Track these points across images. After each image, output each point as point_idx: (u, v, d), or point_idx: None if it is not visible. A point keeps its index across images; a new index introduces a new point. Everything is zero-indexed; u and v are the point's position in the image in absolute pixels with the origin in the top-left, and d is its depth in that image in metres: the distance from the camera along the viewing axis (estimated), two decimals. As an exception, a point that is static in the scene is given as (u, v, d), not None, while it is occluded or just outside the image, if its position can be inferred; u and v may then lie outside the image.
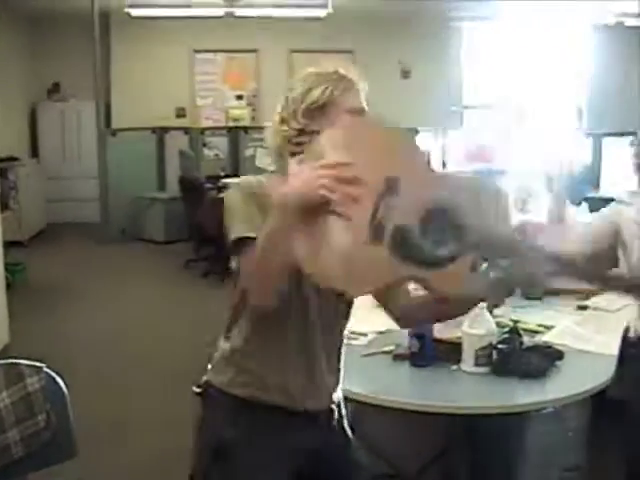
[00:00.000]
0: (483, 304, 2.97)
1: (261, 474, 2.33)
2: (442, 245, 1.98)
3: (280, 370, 2.29)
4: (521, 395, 2.84)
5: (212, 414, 2.39)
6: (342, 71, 2.37)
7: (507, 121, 12.03)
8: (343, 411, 2.55)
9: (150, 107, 12.14)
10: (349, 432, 2.55)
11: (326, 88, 2.31)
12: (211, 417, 2.39)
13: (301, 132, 2.30)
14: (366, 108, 2.36)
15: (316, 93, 2.31)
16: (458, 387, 2.89)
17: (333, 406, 2.47)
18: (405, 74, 13.02)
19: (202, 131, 11.76)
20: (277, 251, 1.98)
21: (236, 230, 2.17)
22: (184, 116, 12.71)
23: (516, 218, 4.19)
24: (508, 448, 3.27)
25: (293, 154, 2.27)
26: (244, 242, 2.12)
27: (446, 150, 8.89)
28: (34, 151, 12.55)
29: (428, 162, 2.12)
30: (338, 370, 2.45)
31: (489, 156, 8.21)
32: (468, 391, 2.88)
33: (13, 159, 10.82)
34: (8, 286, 6.92)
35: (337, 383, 2.47)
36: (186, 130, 11.76)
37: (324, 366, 2.36)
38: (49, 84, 12.62)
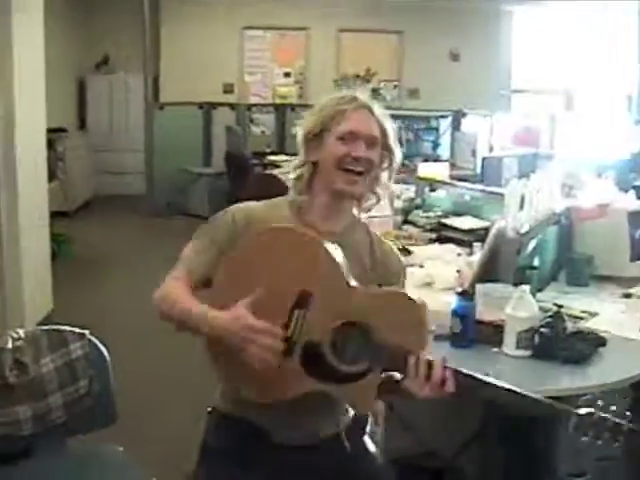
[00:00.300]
0: (526, 287, 2.95)
1: None
2: (352, 362, 2.03)
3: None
4: (562, 380, 2.81)
5: (208, 417, 2.44)
6: (349, 94, 2.30)
7: (555, 106, 11.91)
8: (368, 427, 2.53)
9: (198, 82, 12.17)
10: (369, 447, 2.50)
11: (321, 114, 2.28)
12: (207, 420, 2.43)
13: (303, 164, 2.32)
14: (376, 135, 2.26)
15: (311, 120, 2.29)
16: (498, 370, 2.88)
17: (341, 433, 2.38)
18: (454, 57, 12.92)
19: (249, 107, 11.78)
20: (186, 329, 2.14)
21: (186, 254, 2.30)
22: (232, 92, 12.73)
23: (563, 203, 4.14)
24: (544, 434, 3.25)
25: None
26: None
27: (493, 133, 8.82)
28: (82, 123, 12.65)
29: (342, 275, 2.08)
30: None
31: (536, 140, 8.13)
32: (508, 374, 2.86)
33: (61, 130, 10.90)
34: (53, 256, 7.01)
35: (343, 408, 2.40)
36: (233, 106, 11.78)
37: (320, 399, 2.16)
38: (99, 57, 12.70)
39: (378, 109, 2.29)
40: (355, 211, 2.35)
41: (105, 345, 2.95)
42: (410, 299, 2.08)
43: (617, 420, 2.04)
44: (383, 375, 2.08)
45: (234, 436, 2.31)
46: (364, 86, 9.91)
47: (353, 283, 2.09)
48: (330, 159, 2.24)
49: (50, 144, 10.26)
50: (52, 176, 10.04)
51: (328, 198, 2.27)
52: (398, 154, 2.34)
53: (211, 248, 2.24)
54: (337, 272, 2.09)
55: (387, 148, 2.30)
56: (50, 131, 10.31)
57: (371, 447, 2.52)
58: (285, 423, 2.24)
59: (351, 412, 2.41)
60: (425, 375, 2.00)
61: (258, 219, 2.24)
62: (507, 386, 2.07)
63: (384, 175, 2.34)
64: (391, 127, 2.30)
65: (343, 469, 2.37)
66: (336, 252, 2.12)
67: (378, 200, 2.37)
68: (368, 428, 2.57)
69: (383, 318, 2.04)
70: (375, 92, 11.65)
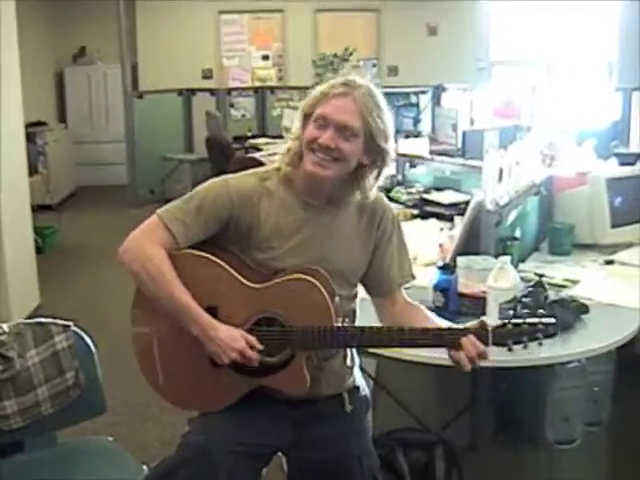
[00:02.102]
0: (506, 258, 2.97)
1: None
2: (275, 352, 2.23)
3: None
4: (546, 349, 2.83)
5: None
6: (345, 79, 2.29)
7: (535, 77, 11.90)
8: (362, 392, 2.58)
9: (176, 69, 12.12)
10: (366, 419, 2.57)
11: (314, 94, 2.30)
12: None
13: (296, 138, 2.36)
14: (350, 125, 2.23)
15: (308, 98, 2.32)
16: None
17: (344, 392, 2.48)
18: (432, 30, 12.88)
19: (229, 92, 11.75)
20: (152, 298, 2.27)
21: (170, 216, 2.30)
22: (210, 77, 12.68)
23: (543, 173, 4.16)
24: (532, 402, 3.27)
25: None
26: (160, 225, 2.29)
27: (474, 106, 8.82)
28: (62, 115, 12.58)
29: (239, 281, 2.25)
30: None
31: (517, 112, 8.13)
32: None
33: (41, 124, 10.86)
34: (38, 249, 7.01)
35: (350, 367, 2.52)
36: (213, 91, 11.74)
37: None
38: (75, 48, 12.60)
39: (368, 101, 2.25)
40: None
41: (93, 336, 2.95)
42: (307, 280, 2.23)
43: (530, 321, 2.21)
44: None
45: None
46: (342, 65, 9.86)
47: (252, 284, 2.24)
48: (304, 140, 2.28)
49: (30, 138, 10.22)
50: (34, 170, 10.02)
51: (305, 175, 2.30)
52: (390, 151, 2.32)
53: (199, 221, 2.28)
54: (235, 281, 2.25)
55: (373, 145, 2.28)
56: (30, 125, 10.28)
57: (365, 422, 2.57)
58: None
59: (355, 375, 2.54)
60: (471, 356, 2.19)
61: (254, 193, 2.31)
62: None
63: (371, 173, 2.34)
64: (380, 123, 2.26)
65: (335, 429, 2.44)
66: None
67: (366, 196, 2.37)
68: (367, 404, 2.62)
69: (288, 305, 2.23)
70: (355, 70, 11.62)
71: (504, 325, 2.21)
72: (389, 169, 2.38)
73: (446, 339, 2.23)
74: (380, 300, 2.53)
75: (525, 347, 2.21)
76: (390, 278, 2.49)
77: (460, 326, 2.28)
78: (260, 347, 2.21)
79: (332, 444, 2.43)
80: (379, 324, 2.48)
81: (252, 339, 2.21)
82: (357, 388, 2.55)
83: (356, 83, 2.27)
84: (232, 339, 2.19)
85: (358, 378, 2.58)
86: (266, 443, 2.40)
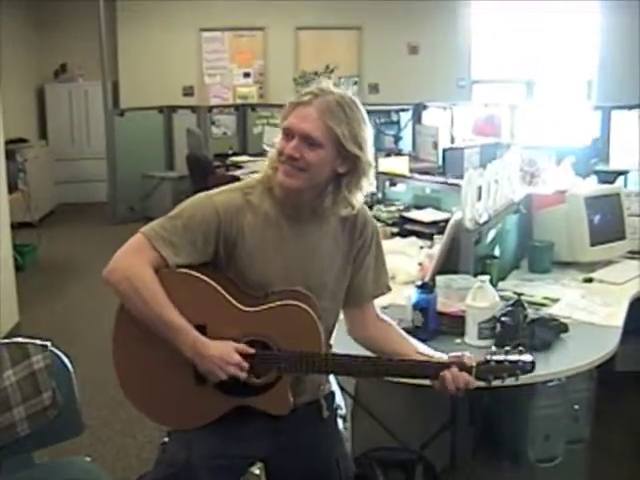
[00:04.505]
0: (485, 277, 2.97)
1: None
2: (261, 374, 2.25)
3: None
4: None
5: None
6: (315, 88, 2.25)
7: (516, 95, 11.97)
8: (337, 402, 2.59)
9: (158, 86, 12.12)
10: (340, 425, 2.58)
11: (286, 106, 2.28)
12: None
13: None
14: (311, 134, 2.19)
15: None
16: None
17: (321, 399, 2.50)
18: (413, 49, 12.94)
19: (210, 109, 11.72)
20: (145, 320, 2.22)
21: (156, 236, 2.26)
22: (192, 95, 12.68)
23: (522, 191, 4.18)
24: (513, 421, 3.27)
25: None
26: (147, 244, 2.25)
27: (454, 124, 8.85)
28: (42, 132, 12.53)
29: (230, 303, 2.24)
30: None
31: (497, 130, 8.17)
32: (472, 364, 2.87)
33: (21, 140, 10.79)
34: (18, 267, 6.95)
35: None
36: (194, 109, 11.72)
37: None
38: (56, 65, 12.56)
39: (331, 108, 2.19)
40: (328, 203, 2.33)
41: (73, 354, 2.93)
42: (300, 307, 2.24)
43: (510, 358, 2.26)
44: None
45: None
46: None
47: (242, 307, 2.24)
48: (276, 152, 2.28)
49: (10, 155, 10.15)
50: (14, 187, 9.95)
51: (279, 188, 2.29)
52: (365, 158, 2.26)
53: (187, 240, 2.25)
54: (224, 302, 2.24)
55: (344, 152, 2.22)
56: (10, 142, 10.22)
57: (341, 428, 2.59)
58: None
59: (330, 382, 2.56)
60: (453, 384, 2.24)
61: (238, 209, 2.29)
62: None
63: (350, 182, 2.29)
64: (347, 128, 2.20)
65: (314, 435, 2.46)
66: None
67: (351, 207, 2.33)
68: (342, 412, 2.63)
69: (279, 330, 2.24)
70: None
71: (487, 362, 2.25)
72: (370, 178, 2.32)
73: (432, 371, 2.27)
74: (351, 310, 2.52)
75: (502, 382, 2.26)
76: (364, 289, 2.49)
77: (445, 358, 2.31)
78: (252, 351, 2.21)
79: (311, 450, 2.45)
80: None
81: (243, 347, 2.21)
82: (333, 394, 2.56)
83: (324, 91, 2.22)
84: (226, 354, 2.18)
85: (333, 384, 2.59)
86: (247, 454, 2.43)
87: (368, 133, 2.27)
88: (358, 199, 2.34)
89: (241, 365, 2.19)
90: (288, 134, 2.22)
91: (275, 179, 2.28)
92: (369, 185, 2.34)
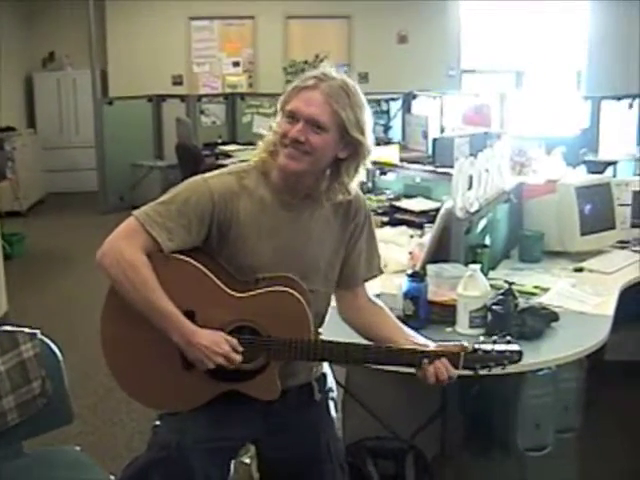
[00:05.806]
0: (476, 266, 2.97)
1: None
2: (250, 360, 2.25)
3: None
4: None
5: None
6: (318, 72, 2.27)
7: (506, 85, 11.96)
8: (329, 385, 2.58)
9: (147, 75, 12.07)
10: (331, 408, 2.57)
11: (288, 89, 2.28)
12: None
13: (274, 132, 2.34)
14: (318, 118, 2.20)
15: (284, 93, 2.30)
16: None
17: (313, 381, 2.50)
18: (402, 39, 12.92)
19: (199, 98, 11.68)
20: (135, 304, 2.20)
21: (149, 220, 2.25)
22: (181, 84, 12.64)
23: (513, 181, 4.18)
24: (503, 410, 3.28)
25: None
26: (140, 229, 2.25)
27: (444, 114, 8.85)
28: (31, 121, 12.47)
29: (221, 288, 2.24)
30: None
31: (487, 120, 8.17)
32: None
33: (10, 129, 10.76)
34: (6, 256, 6.92)
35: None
36: (183, 97, 11.68)
37: None
38: (44, 53, 12.51)
39: (337, 93, 2.22)
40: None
41: (62, 342, 2.93)
42: (289, 293, 2.24)
43: (497, 348, 2.26)
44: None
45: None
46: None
47: (232, 292, 2.23)
48: (278, 136, 2.26)
49: (-2, 144, 10.16)
50: (2, 176, 9.94)
51: (279, 170, 2.29)
52: (367, 144, 2.28)
53: (181, 224, 2.24)
54: (214, 287, 2.24)
55: (348, 137, 2.24)
56: (-2, 131, 10.22)
57: (333, 411, 2.58)
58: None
59: (323, 364, 2.54)
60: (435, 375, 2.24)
61: (233, 193, 2.28)
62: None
63: (350, 167, 2.31)
64: (352, 114, 2.23)
65: (305, 417, 2.47)
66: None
67: (347, 192, 2.34)
68: (334, 394, 2.62)
69: (268, 316, 2.24)
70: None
71: (475, 351, 2.24)
72: (367, 164, 2.35)
73: (418, 360, 2.26)
74: (343, 292, 2.52)
75: (489, 371, 2.26)
76: (357, 272, 2.49)
77: (434, 347, 2.30)
78: (241, 349, 2.20)
79: (302, 432, 2.46)
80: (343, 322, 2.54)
81: (234, 341, 2.20)
82: (324, 375, 2.56)
83: (328, 76, 2.25)
84: (215, 344, 2.18)
85: (325, 366, 2.58)
86: (238, 436, 2.43)
87: (369, 119, 2.30)
88: (354, 184, 2.36)
89: (229, 356, 2.18)
90: (293, 117, 2.22)
91: (272, 163, 2.29)
92: (364, 171, 2.36)
